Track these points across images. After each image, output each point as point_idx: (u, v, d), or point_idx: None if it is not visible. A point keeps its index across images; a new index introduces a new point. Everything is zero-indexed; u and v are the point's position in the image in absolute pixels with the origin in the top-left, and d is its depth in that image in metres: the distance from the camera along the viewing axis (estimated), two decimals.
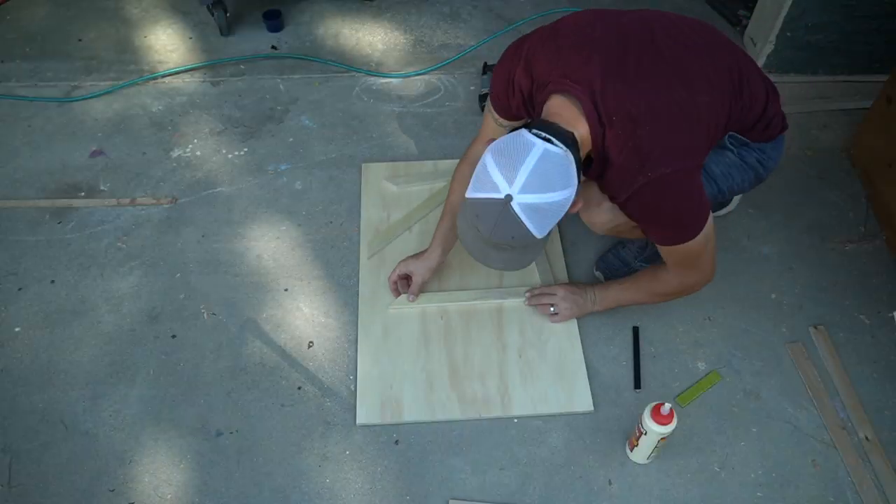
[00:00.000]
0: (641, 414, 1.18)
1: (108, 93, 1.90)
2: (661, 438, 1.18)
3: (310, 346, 1.42)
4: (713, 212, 1.43)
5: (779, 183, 1.70)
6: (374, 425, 1.31)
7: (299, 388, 1.36)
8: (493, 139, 1.06)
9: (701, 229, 1.15)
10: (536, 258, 1.10)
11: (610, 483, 1.24)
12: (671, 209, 1.12)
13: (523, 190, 0.99)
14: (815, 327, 1.46)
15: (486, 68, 1.92)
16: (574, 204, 1.06)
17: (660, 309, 1.47)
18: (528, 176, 0.99)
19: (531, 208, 1.00)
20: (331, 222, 1.64)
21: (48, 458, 1.26)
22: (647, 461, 1.26)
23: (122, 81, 1.94)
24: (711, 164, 1.27)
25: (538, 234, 1.03)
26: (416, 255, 1.46)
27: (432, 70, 2.00)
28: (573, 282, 1.50)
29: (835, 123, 1.86)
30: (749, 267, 1.56)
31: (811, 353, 1.42)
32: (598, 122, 1.06)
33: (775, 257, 1.58)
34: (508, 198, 1.00)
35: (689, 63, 1.11)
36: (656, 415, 1.15)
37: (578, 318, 1.45)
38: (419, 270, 1.43)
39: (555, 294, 1.43)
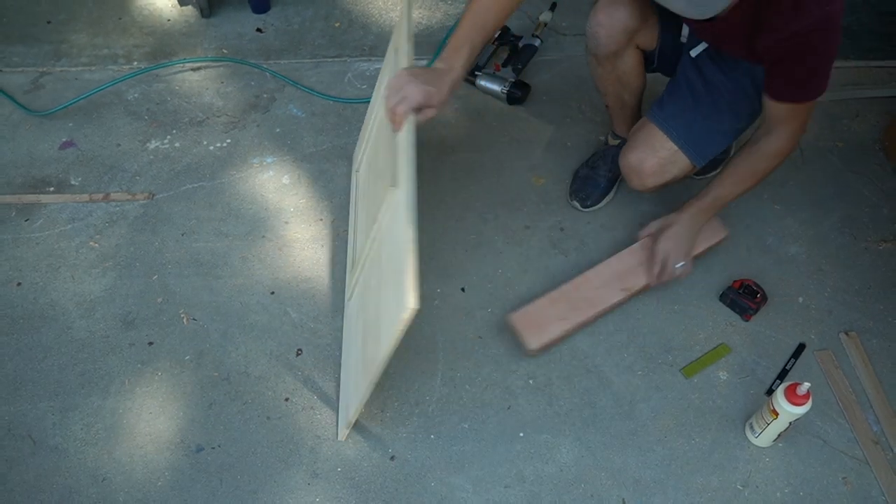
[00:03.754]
0: (774, 394, 1.17)
1: (84, 97, 1.83)
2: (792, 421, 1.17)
3: (298, 354, 1.38)
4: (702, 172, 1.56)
5: (807, 177, 1.66)
6: (368, 439, 1.27)
7: (286, 399, 1.32)
8: None
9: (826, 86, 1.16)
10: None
11: (624, 502, 1.22)
12: (824, 57, 1.11)
13: None
14: (846, 333, 1.42)
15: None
16: None
17: (679, 314, 1.44)
18: None
19: None
20: (321, 219, 1.59)
21: (14, 476, 1.23)
22: (771, 444, 1.26)
23: (108, 79, 1.84)
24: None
25: None
26: (429, 72, 1.13)
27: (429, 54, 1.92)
28: (656, 221, 1.39)
29: (868, 112, 1.82)
30: (775, 268, 1.52)
31: (841, 362, 1.39)
32: None
33: (803, 258, 1.54)
34: None
35: None
36: (791, 395, 1.13)
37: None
38: (438, 97, 1.11)
39: (657, 254, 1.35)
